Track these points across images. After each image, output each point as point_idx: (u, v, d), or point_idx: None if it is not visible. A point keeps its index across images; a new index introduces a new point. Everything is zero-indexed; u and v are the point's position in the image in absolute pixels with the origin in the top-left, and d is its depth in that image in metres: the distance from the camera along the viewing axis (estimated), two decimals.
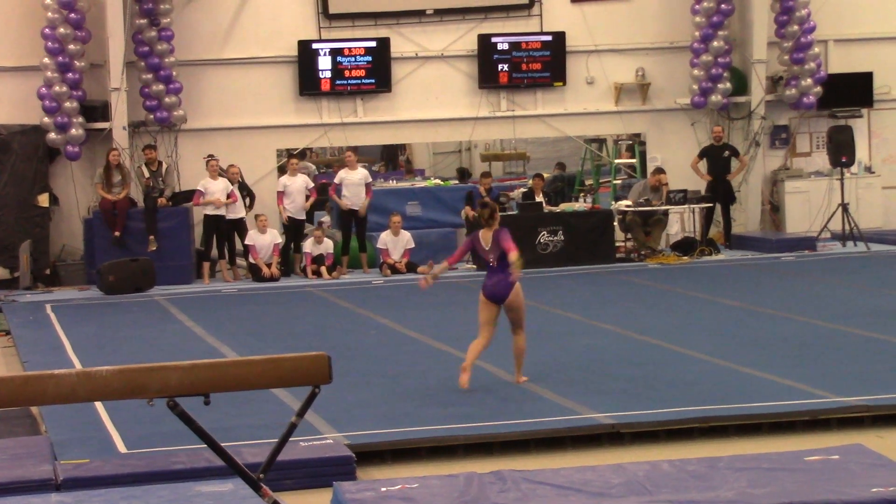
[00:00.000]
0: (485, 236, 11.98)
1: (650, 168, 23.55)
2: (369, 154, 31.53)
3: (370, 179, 22.16)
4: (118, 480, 8.94)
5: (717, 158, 23.14)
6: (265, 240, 21.08)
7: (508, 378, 12.34)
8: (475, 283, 19.30)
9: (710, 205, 22.88)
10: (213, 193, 20.99)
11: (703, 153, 23.28)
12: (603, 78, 23.92)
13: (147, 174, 21.25)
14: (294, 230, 21.67)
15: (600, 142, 26.96)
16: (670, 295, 18.31)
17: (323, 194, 23.49)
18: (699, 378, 12.04)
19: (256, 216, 21.16)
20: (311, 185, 22.04)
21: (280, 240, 21.37)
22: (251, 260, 21.11)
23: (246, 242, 21.08)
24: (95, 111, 21.88)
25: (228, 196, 21.01)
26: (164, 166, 21.61)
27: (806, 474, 8.24)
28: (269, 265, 20.99)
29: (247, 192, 21.56)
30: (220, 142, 22.53)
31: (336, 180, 21.83)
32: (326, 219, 23.49)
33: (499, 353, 13.70)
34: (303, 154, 25.53)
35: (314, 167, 26.03)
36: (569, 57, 23.74)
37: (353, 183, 21.67)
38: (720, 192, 23.02)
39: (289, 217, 21.49)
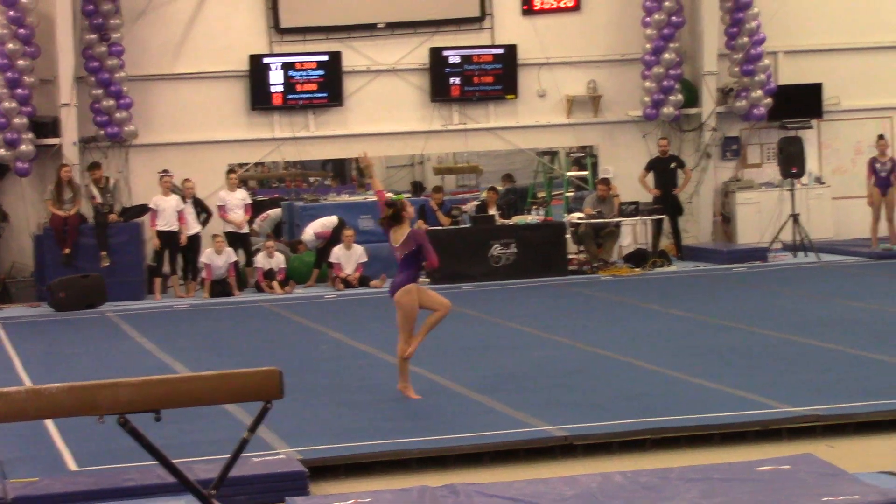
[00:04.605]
0: (394, 235, 12.16)
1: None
2: (320, 168, 31.52)
3: (249, 200, 22.12)
4: (69, 498, 8.87)
5: (664, 171, 23.21)
6: (221, 259, 20.99)
7: (461, 391, 12.35)
8: None
9: (662, 216, 22.95)
10: (165, 210, 20.89)
11: (650, 166, 23.34)
12: (555, 90, 23.98)
13: (96, 193, 21.11)
14: (236, 244, 21.52)
15: (552, 154, 27.03)
16: (622, 306, 18.36)
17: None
18: (651, 389, 12.07)
19: (214, 236, 21.05)
20: (249, 201, 22.00)
21: (235, 258, 21.24)
22: (203, 276, 21.06)
23: (203, 261, 20.98)
24: (45, 127, 21.74)
25: (178, 218, 20.93)
26: (112, 181, 21.49)
27: (757, 484, 8.29)
28: (223, 281, 20.93)
29: (202, 209, 21.44)
30: (172, 157, 22.41)
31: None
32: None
33: (452, 365, 13.73)
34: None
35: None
36: (520, 70, 23.80)
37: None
38: (668, 205, 23.09)
39: (230, 232, 21.40)
